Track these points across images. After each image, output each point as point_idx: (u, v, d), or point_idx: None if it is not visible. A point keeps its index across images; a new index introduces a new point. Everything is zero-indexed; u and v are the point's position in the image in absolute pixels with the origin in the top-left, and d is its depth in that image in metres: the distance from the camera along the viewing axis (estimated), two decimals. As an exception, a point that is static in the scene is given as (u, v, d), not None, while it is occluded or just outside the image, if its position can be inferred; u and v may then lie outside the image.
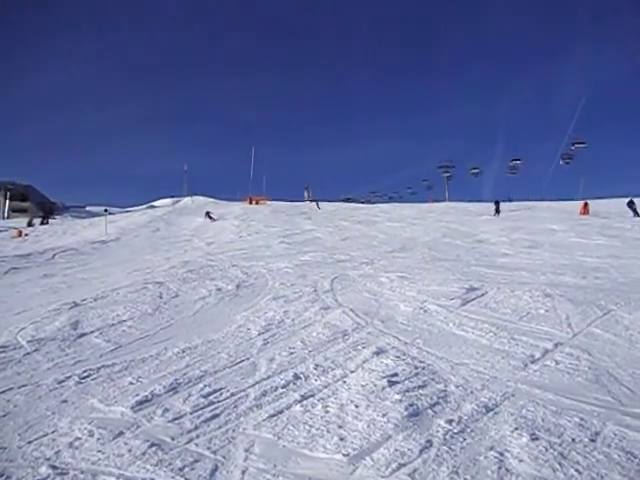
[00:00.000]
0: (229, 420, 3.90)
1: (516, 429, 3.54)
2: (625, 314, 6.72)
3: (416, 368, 4.91)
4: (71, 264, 16.51)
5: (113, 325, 7.24)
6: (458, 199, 58.36)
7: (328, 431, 3.65)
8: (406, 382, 4.52)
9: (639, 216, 27.21)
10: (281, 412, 4.01)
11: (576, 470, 2.98)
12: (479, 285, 9.02)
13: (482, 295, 8.26)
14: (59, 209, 66.79)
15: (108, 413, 4.12)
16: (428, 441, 3.42)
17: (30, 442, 3.64)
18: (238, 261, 14.37)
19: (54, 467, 3.24)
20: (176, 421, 3.91)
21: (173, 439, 3.60)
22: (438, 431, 3.57)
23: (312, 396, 4.31)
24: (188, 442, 3.55)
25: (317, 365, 5.11)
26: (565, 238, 18.91)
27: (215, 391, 4.49)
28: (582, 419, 3.69)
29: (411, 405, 3.99)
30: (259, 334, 6.46)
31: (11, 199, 67.13)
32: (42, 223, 46.21)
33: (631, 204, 28.82)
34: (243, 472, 3.14)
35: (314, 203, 48.94)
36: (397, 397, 4.16)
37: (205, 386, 4.63)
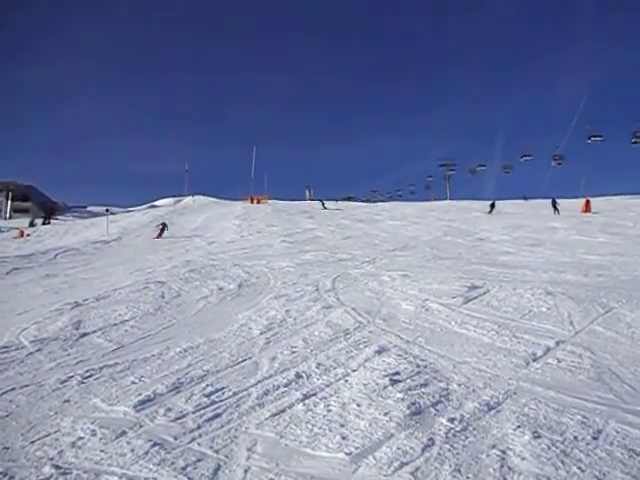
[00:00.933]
0: (231, 419, 3.91)
1: (518, 427, 3.54)
2: (627, 312, 6.71)
3: (418, 367, 4.90)
4: (73, 264, 16.53)
5: (115, 325, 7.24)
6: (459, 197, 58.32)
7: (330, 430, 3.65)
8: (408, 381, 4.52)
9: (558, 213, 30.02)
10: (283, 411, 4.01)
11: (578, 468, 2.98)
12: (481, 283, 9.01)
13: (484, 293, 8.26)
14: (61, 209, 66.93)
15: (110, 413, 4.13)
16: (430, 439, 3.42)
17: (33, 442, 3.64)
18: (240, 260, 14.37)
19: (57, 467, 3.25)
20: (178, 420, 3.91)
21: (175, 438, 3.60)
22: (440, 429, 3.57)
23: (314, 395, 4.31)
24: (190, 441, 3.56)
25: (319, 364, 5.11)
26: (567, 236, 18.89)
27: (217, 390, 4.49)
28: (584, 417, 3.68)
29: (413, 404, 3.99)
30: (261, 333, 6.46)
31: (13, 199, 67.25)
32: (44, 223, 46.32)
33: (555, 203, 31.65)
34: (245, 471, 3.14)
35: (319, 202, 47.78)
36: (399, 396, 4.16)
37: (207, 385, 4.63)
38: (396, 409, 3.90)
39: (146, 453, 3.38)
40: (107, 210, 39.57)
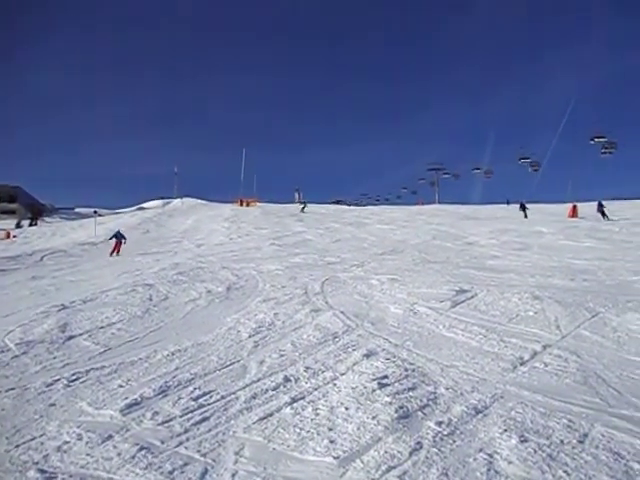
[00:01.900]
0: (219, 423, 3.89)
1: (505, 431, 3.56)
2: (613, 316, 6.78)
3: (406, 370, 4.92)
4: (60, 266, 16.41)
5: (102, 328, 7.19)
6: (448, 201, 58.56)
7: (318, 434, 3.64)
8: (396, 384, 4.53)
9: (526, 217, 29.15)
10: (271, 415, 4.00)
11: (564, 471, 3.00)
12: (469, 287, 9.06)
13: (472, 297, 8.30)
14: (48, 211, 66.43)
15: (97, 416, 4.10)
16: (418, 443, 3.43)
17: (18, 446, 3.60)
18: (228, 263, 14.34)
19: (42, 471, 3.21)
20: (166, 424, 3.89)
21: (163, 442, 3.58)
22: (428, 433, 3.58)
23: (302, 399, 4.31)
24: (178, 445, 3.54)
25: (307, 367, 5.11)
26: (554, 240, 19.02)
27: (205, 394, 4.48)
28: (570, 421, 3.71)
29: (401, 407, 4.00)
30: (249, 336, 6.45)
31: (0, 201, 66.61)
32: (31, 225, 45.94)
33: (523, 207, 31.78)
34: (233, 475, 3.13)
35: (301, 204, 46.64)
36: (387, 399, 4.16)
37: (195, 389, 4.61)
38: (384, 413, 3.91)
39: (133, 457, 3.36)
40: (95, 212, 39.28)
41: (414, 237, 22.08)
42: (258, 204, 52.29)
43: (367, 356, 5.38)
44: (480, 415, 3.87)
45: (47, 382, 4.93)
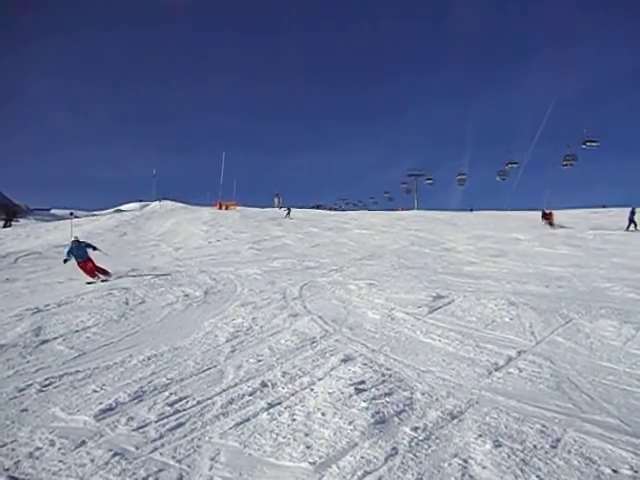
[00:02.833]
0: (195, 429, 3.87)
1: (480, 436, 3.60)
2: (586, 322, 6.89)
3: (383, 376, 4.94)
4: (34, 268, 16.12)
5: (77, 331, 7.09)
6: (427, 207, 58.96)
7: (294, 439, 3.64)
8: (373, 390, 4.55)
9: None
10: (247, 420, 3.99)
11: (537, 476, 3.05)
12: (446, 293, 9.14)
13: (449, 303, 8.37)
14: (23, 212, 65.34)
15: (70, 422, 4.04)
16: (394, 448, 3.45)
17: (-12, 452, 3.54)
18: (207, 267, 14.26)
19: (13, 478, 3.16)
20: (140, 430, 3.85)
21: (137, 448, 3.55)
22: (404, 438, 3.60)
23: (279, 404, 4.30)
24: (152, 451, 3.51)
25: (285, 373, 5.10)
26: (530, 247, 19.30)
27: (181, 399, 4.44)
28: (544, 426, 3.77)
29: (377, 413, 4.02)
30: (227, 341, 6.42)
31: (-28, 201, 65.37)
32: (4, 226, 45.13)
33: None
34: (208, 481, 3.11)
35: (283, 209, 44.48)
36: (364, 405, 4.18)
37: (171, 394, 4.58)
38: (360, 418, 3.92)
39: (106, 463, 3.33)
40: (71, 214, 38.57)
41: (393, 242, 22.19)
42: (237, 208, 52.08)
43: (344, 361, 5.39)
44: (455, 420, 3.91)
45: (19, 387, 4.85)
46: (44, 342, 6.57)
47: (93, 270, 12.47)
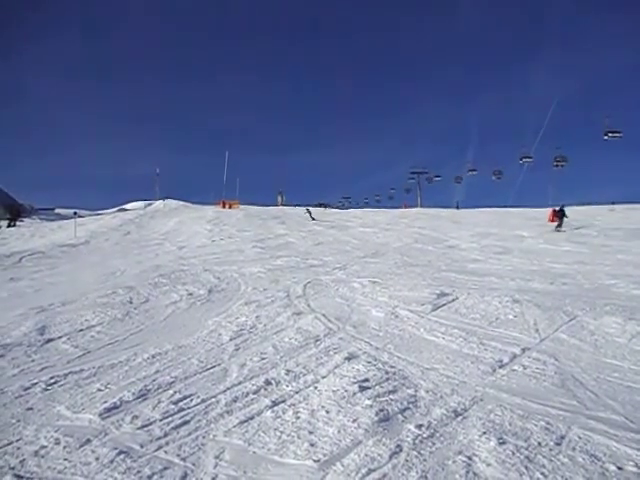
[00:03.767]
0: (199, 427, 3.87)
1: (484, 433, 3.60)
2: (590, 320, 6.87)
3: (387, 373, 4.94)
4: (39, 268, 16.17)
5: (81, 330, 7.12)
6: (430, 205, 58.91)
7: (299, 437, 3.65)
8: (377, 387, 4.55)
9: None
10: (252, 418, 4.00)
11: (542, 473, 3.04)
12: (450, 290, 9.13)
13: (452, 300, 8.36)
14: (27, 211, 65.51)
15: (75, 420, 4.06)
16: (398, 446, 3.45)
17: (-6, 451, 3.56)
18: (210, 265, 14.27)
19: (19, 476, 3.17)
20: (145, 428, 3.86)
21: (142, 446, 3.56)
22: (408, 436, 3.60)
23: (283, 402, 4.31)
24: (157, 449, 3.52)
25: (288, 371, 5.11)
26: (534, 244, 19.23)
27: (185, 397, 4.45)
28: (548, 423, 3.76)
29: (381, 410, 4.02)
30: (231, 339, 6.43)
31: (-23, 201, 65.55)
32: (9, 225, 45.22)
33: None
34: (213, 479, 3.12)
35: (306, 210, 39.46)
36: (368, 402, 4.18)
37: (175, 392, 4.59)
38: (365, 416, 3.92)
39: (111, 462, 3.33)
40: (75, 213, 38.76)
41: (396, 240, 22.16)
42: (241, 206, 52.11)
43: (348, 359, 5.39)
44: (459, 418, 3.91)
45: (25, 386, 4.87)
46: (49, 341, 6.59)
47: None
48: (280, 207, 55.64)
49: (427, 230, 26.62)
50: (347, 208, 67.62)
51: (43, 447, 3.58)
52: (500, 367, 5.13)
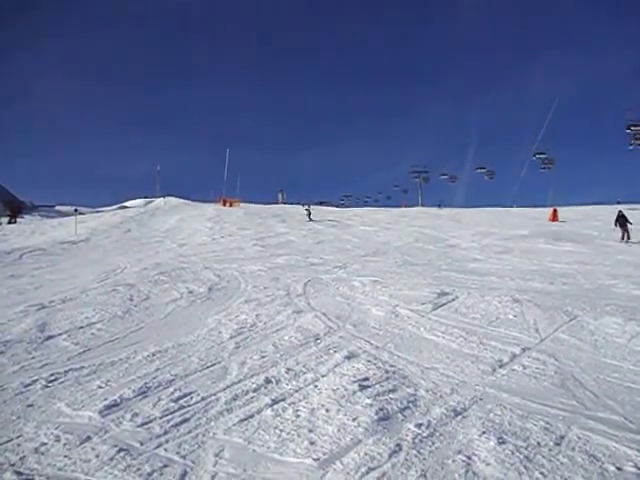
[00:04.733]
0: (199, 424, 3.88)
1: (484, 433, 3.60)
2: (590, 320, 6.88)
3: (387, 372, 4.95)
4: (39, 265, 16.16)
5: (82, 328, 7.12)
6: (431, 204, 58.90)
7: (298, 435, 3.65)
8: (377, 386, 4.55)
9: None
10: (252, 416, 4.00)
11: (541, 473, 3.04)
12: (450, 290, 9.14)
13: (453, 300, 8.37)
14: (28, 208, 65.56)
15: (75, 418, 4.06)
16: (397, 445, 3.45)
17: (-6, 447, 3.56)
18: (211, 263, 14.28)
19: (19, 473, 3.17)
20: (145, 426, 3.87)
21: (142, 444, 3.56)
22: (407, 435, 3.60)
23: (283, 400, 4.31)
24: (157, 447, 3.52)
25: (288, 369, 5.11)
26: (534, 244, 19.23)
27: (185, 395, 4.46)
28: (548, 423, 3.77)
29: (381, 409, 4.02)
30: (231, 337, 6.43)
31: (-23, 197, 65.54)
32: (9, 222, 45.25)
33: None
34: (213, 477, 3.12)
35: (305, 208, 38.01)
36: (368, 401, 4.18)
37: (175, 390, 4.59)
38: (364, 415, 3.93)
39: (111, 459, 3.34)
40: (76, 210, 38.84)
41: (397, 239, 22.16)
42: (241, 204, 52.06)
43: (348, 358, 5.40)
44: (459, 417, 3.91)
45: (25, 382, 4.87)
46: (49, 338, 6.59)
47: None
48: (280, 205, 55.58)
49: (428, 229, 26.63)
50: (347, 207, 67.60)
51: (43, 444, 3.59)
52: (500, 367, 5.13)
